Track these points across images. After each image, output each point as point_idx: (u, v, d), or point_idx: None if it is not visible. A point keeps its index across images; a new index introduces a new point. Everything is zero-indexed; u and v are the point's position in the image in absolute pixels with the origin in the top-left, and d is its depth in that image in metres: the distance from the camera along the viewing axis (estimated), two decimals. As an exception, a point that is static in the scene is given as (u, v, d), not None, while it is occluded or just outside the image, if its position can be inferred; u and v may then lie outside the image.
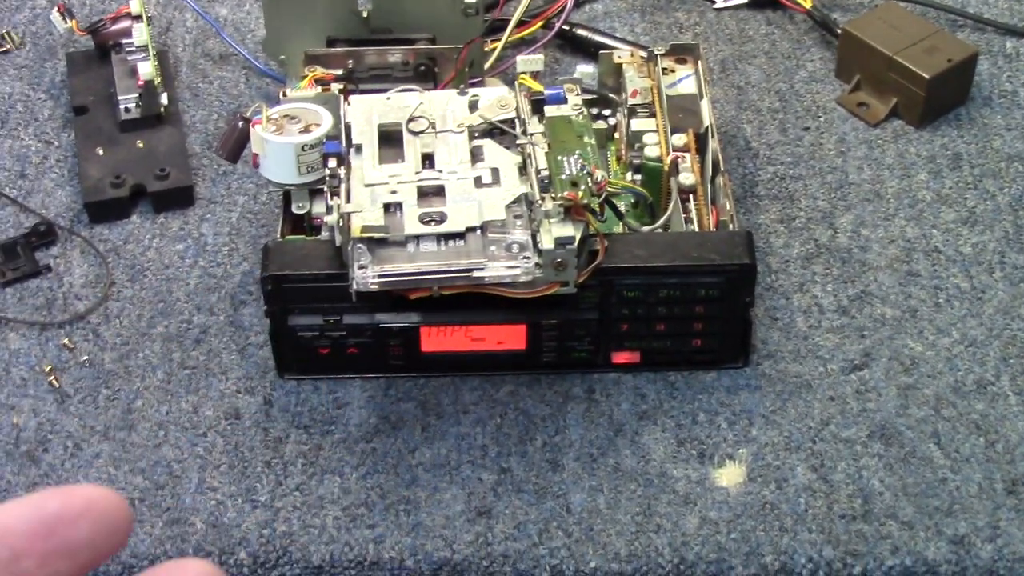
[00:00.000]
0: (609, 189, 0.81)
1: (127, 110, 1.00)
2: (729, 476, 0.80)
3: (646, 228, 0.85)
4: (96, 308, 0.90)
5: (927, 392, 0.84)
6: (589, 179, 0.79)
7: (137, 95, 1.00)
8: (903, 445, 0.82)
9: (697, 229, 0.85)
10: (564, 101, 0.87)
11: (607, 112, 0.98)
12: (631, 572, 0.76)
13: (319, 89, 0.91)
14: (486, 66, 1.01)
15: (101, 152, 0.99)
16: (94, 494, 0.31)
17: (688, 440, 0.82)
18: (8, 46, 1.11)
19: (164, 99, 1.01)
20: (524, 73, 0.90)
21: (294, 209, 0.85)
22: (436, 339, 0.83)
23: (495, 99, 0.87)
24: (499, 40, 1.03)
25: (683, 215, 0.86)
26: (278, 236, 0.85)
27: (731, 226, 0.85)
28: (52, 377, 0.86)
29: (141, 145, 0.99)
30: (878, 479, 0.80)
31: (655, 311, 0.83)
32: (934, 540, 0.77)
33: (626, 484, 0.80)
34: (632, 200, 0.89)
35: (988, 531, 0.77)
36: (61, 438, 0.83)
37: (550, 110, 0.86)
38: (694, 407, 0.84)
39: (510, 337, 0.83)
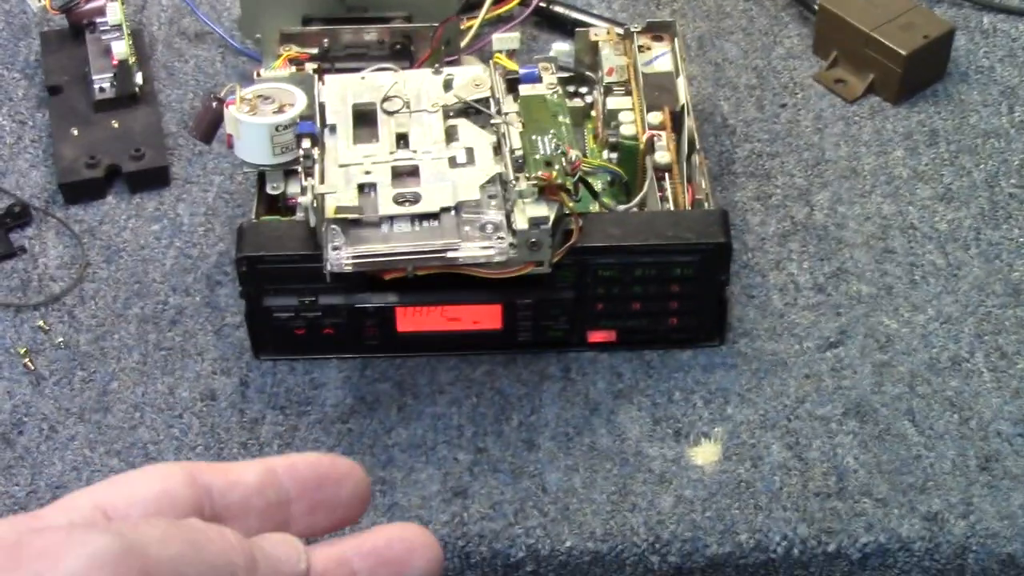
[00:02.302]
0: (584, 168, 0.81)
1: (102, 90, 1.00)
2: (704, 455, 0.81)
3: (621, 207, 0.85)
4: (71, 290, 0.90)
5: (902, 369, 0.85)
6: (563, 159, 0.79)
7: (112, 75, 0.99)
8: (878, 422, 0.82)
9: (672, 208, 0.85)
10: (539, 80, 0.86)
11: (584, 90, 0.98)
12: (606, 551, 0.77)
13: (293, 69, 0.91)
14: (462, 44, 1.01)
15: (76, 132, 0.98)
16: (347, 464, 0.35)
17: (664, 419, 0.82)
18: (-18, 25, 1.10)
19: (139, 78, 1.01)
20: (500, 51, 0.90)
21: (268, 190, 0.85)
22: (412, 319, 0.83)
23: (470, 78, 0.86)
24: (476, 18, 1.02)
25: (658, 194, 0.86)
26: (252, 217, 0.85)
27: (706, 204, 0.85)
28: (27, 359, 0.86)
29: (116, 125, 0.99)
30: (852, 456, 0.80)
31: (630, 290, 0.83)
32: (908, 517, 0.77)
33: (602, 463, 0.80)
34: (608, 179, 0.89)
35: (961, 507, 0.77)
36: (36, 420, 0.83)
37: (525, 89, 0.86)
38: (670, 386, 0.84)
39: (486, 317, 0.83)
